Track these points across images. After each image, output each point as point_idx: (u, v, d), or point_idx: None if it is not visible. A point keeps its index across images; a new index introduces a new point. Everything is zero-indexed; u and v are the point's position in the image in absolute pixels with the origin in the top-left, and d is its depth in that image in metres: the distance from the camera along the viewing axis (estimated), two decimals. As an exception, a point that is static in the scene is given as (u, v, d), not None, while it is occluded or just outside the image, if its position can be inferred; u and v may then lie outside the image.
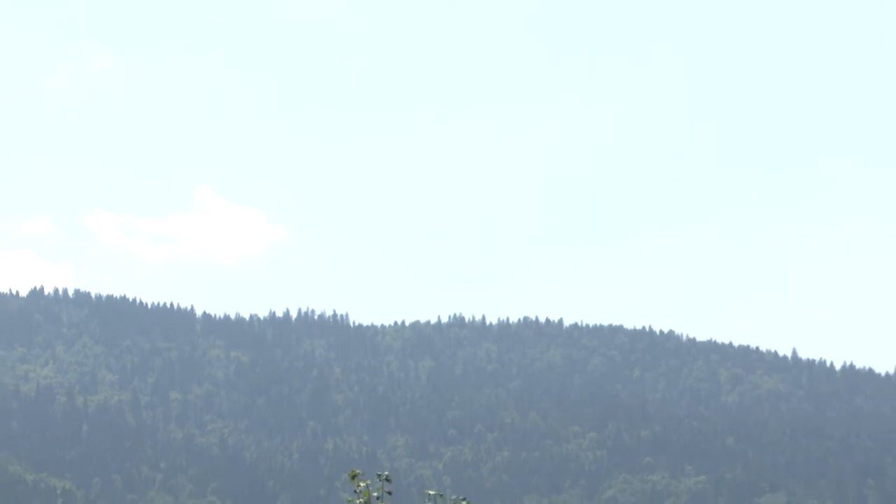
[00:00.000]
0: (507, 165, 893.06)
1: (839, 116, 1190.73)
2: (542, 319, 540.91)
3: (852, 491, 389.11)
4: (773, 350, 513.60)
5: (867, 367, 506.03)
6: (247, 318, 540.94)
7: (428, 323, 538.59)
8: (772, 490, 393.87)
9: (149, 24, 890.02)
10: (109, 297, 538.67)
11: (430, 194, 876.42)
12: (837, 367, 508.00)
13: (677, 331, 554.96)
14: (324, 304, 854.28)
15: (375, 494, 41.07)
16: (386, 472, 43.91)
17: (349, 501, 42.36)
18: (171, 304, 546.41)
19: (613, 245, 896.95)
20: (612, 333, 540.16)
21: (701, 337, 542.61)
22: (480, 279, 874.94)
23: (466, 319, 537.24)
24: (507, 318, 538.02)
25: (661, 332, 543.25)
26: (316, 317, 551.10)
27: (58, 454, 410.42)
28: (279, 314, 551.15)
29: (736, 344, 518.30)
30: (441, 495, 43.40)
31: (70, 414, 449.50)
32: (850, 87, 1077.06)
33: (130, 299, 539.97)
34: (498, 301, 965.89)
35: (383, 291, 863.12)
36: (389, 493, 41.32)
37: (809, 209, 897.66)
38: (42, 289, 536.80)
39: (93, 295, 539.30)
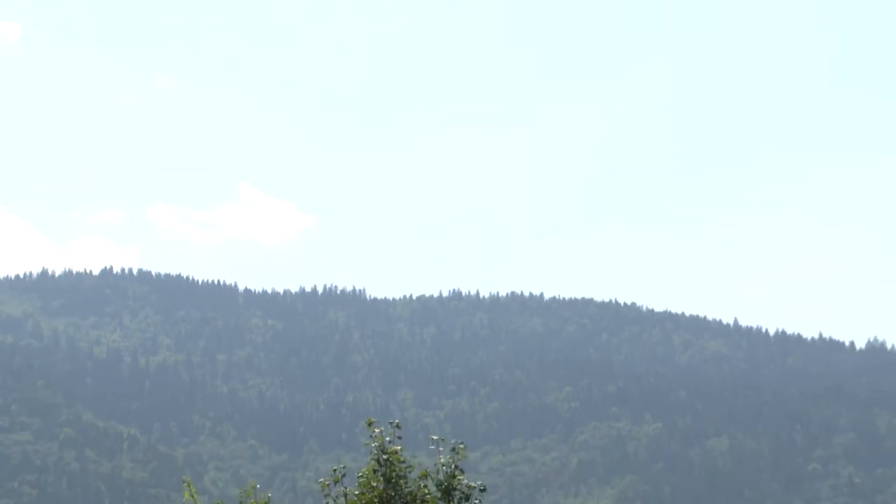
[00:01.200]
0: (500, 167, 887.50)
1: (772, 105, 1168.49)
2: (526, 294, 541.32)
3: (783, 435, 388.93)
4: (718, 318, 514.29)
5: (797, 332, 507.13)
6: (281, 292, 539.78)
7: (432, 297, 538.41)
8: (716, 435, 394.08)
9: (199, 47, 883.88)
10: (167, 275, 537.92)
11: (435, 190, 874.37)
12: (772, 332, 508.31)
13: (639, 303, 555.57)
14: (345, 281, 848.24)
15: (388, 439, 40.77)
16: (396, 421, 43.61)
17: (366, 444, 42.09)
18: (218, 281, 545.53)
19: (587, 231, 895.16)
20: (585, 305, 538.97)
21: (658, 308, 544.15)
22: (476, 261, 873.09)
23: (463, 294, 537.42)
24: (497, 293, 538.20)
25: (625, 303, 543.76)
26: (338, 291, 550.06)
27: (124, 405, 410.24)
28: (308, 289, 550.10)
29: (687, 314, 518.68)
30: (443, 440, 43.05)
31: (134, 372, 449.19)
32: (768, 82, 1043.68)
33: (184, 277, 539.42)
34: (490, 279, 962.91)
35: (395, 270, 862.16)
36: (399, 437, 41.03)
37: (748, 198, 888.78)
38: (111, 268, 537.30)
39: (153, 273, 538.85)
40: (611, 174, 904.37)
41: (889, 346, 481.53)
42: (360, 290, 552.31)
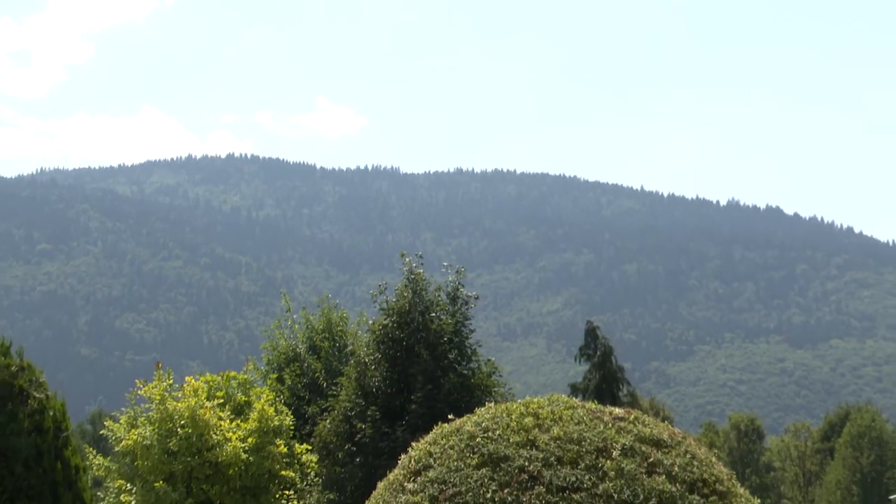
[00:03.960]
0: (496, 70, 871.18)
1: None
2: (504, 169, 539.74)
3: (673, 262, 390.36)
4: (630, 185, 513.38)
5: (682, 194, 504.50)
6: (344, 169, 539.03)
7: (443, 171, 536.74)
8: (629, 262, 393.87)
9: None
10: (270, 158, 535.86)
11: (446, 100, 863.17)
12: (665, 194, 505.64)
13: (578, 175, 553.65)
14: (386, 161, 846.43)
15: (414, 265, 40.23)
16: (420, 253, 43.09)
17: (400, 268, 41.42)
18: (303, 162, 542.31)
19: (546, 121, 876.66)
20: (543, 177, 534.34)
21: (591, 178, 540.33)
22: (473, 145, 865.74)
23: (464, 169, 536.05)
24: (485, 169, 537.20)
25: (570, 175, 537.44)
26: (381, 168, 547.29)
27: (241, 243, 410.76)
28: (361, 167, 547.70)
29: (610, 182, 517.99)
30: (450, 265, 42.55)
31: (249, 221, 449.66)
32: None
33: (281, 159, 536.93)
34: (481, 158, 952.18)
35: (419, 153, 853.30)
36: (422, 263, 40.51)
37: (646, 94, 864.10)
38: (233, 153, 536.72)
39: (260, 157, 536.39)
40: (563, 71, 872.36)
41: (741, 202, 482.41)
42: (395, 167, 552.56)
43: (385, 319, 39.85)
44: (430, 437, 14.89)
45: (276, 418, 45.52)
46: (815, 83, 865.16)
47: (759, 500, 14.43)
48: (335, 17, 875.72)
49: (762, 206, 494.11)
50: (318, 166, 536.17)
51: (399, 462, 14.89)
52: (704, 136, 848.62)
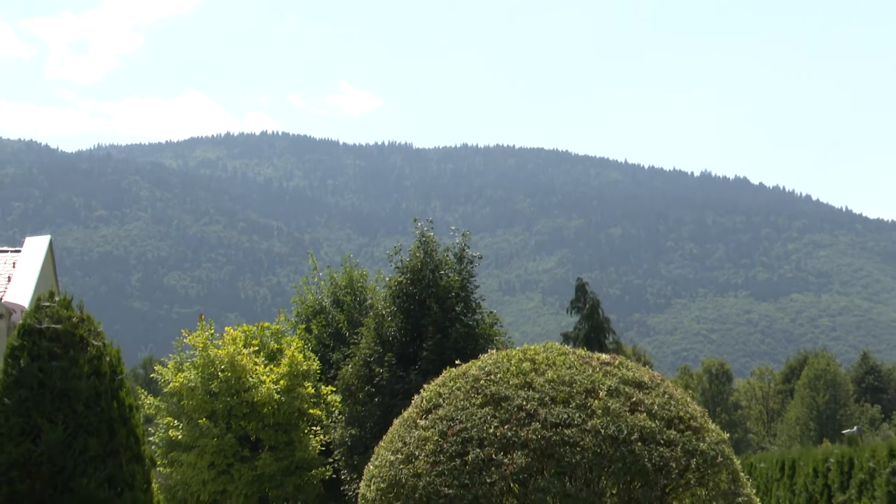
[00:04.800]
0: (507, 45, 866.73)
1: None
2: (505, 144, 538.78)
3: (652, 226, 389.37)
4: (615, 158, 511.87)
5: (661, 165, 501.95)
6: (363, 144, 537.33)
7: (451, 146, 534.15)
8: (614, 226, 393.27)
9: None
10: (298, 136, 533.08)
11: (455, 73, 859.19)
12: (646, 166, 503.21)
13: (570, 150, 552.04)
14: (401, 137, 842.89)
15: (426, 228, 40.13)
16: (430, 218, 43.02)
17: (413, 231, 41.27)
18: (327, 138, 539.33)
19: (542, 98, 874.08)
20: (538, 151, 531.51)
21: (581, 153, 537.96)
22: (476, 122, 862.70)
23: (469, 145, 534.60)
24: (488, 144, 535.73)
25: (562, 150, 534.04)
26: (396, 144, 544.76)
27: (273, 209, 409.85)
28: (379, 143, 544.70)
29: (597, 156, 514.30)
30: (457, 229, 42.47)
31: (280, 191, 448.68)
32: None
33: (308, 136, 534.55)
34: (484, 134, 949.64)
35: (430, 130, 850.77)
36: (432, 228, 40.36)
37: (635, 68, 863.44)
38: (266, 130, 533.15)
39: (291, 134, 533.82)
40: (558, 57, 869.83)
41: (713, 173, 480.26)
42: (409, 143, 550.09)
43: (400, 277, 39.91)
44: (439, 379, 14.92)
45: (304, 364, 45.70)
46: (774, 66, 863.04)
47: (727, 435, 14.46)
48: (355, 11, 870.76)
49: (731, 176, 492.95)
50: (340, 142, 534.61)
51: (412, 401, 14.92)
52: (681, 115, 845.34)
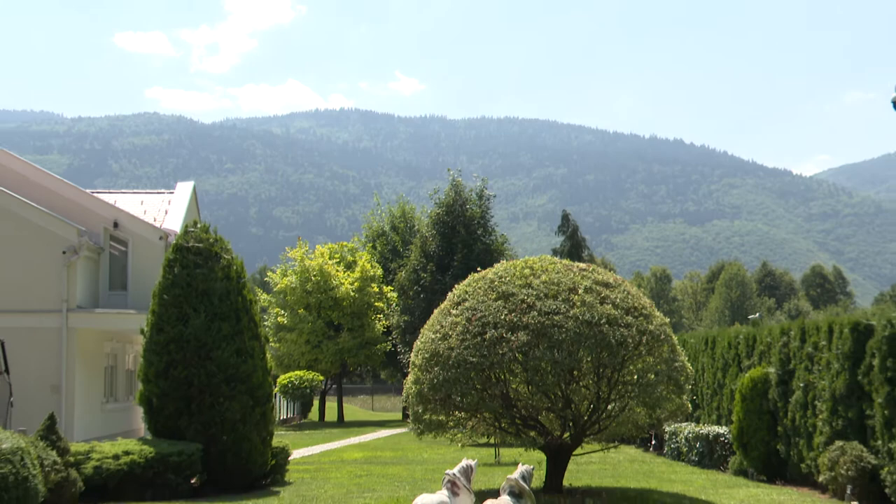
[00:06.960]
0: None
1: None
2: (517, 116, 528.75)
3: (626, 175, 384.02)
4: (596, 126, 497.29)
5: (631, 132, 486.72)
6: (412, 117, 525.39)
7: (475, 118, 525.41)
8: (590, 173, 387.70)
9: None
10: (367, 111, 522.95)
11: (477, 64, 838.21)
12: (626, 133, 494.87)
13: (559, 120, 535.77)
14: (438, 112, 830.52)
15: (456, 176, 39.62)
16: (459, 168, 42.54)
17: (448, 178, 40.60)
18: (387, 113, 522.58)
19: (540, 73, 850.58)
20: (533, 122, 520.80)
21: (567, 121, 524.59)
22: (494, 97, 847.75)
23: (486, 116, 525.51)
24: (499, 116, 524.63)
25: (552, 120, 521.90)
26: (435, 116, 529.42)
27: (349, 163, 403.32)
28: (423, 116, 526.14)
29: (587, 125, 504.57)
30: (478, 176, 41.95)
31: (353, 150, 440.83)
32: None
33: (373, 111, 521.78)
34: (498, 108, 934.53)
35: (458, 106, 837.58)
36: (460, 174, 39.90)
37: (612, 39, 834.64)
38: (344, 108, 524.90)
39: (361, 110, 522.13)
40: (554, 47, 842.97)
41: (658, 136, 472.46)
42: (444, 115, 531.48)
43: (438, 209, 39.95)
44: (466, 281, 14.90)
45: (371, 270, 46.00)
46: (703, 52, 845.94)
47: (668, 319, 14.41)
48: (408, 22, 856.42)
49: (671, 137, 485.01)
50: (395, 115, 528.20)
51: (447, 297, 14.91)
52: (637, 92, 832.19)
